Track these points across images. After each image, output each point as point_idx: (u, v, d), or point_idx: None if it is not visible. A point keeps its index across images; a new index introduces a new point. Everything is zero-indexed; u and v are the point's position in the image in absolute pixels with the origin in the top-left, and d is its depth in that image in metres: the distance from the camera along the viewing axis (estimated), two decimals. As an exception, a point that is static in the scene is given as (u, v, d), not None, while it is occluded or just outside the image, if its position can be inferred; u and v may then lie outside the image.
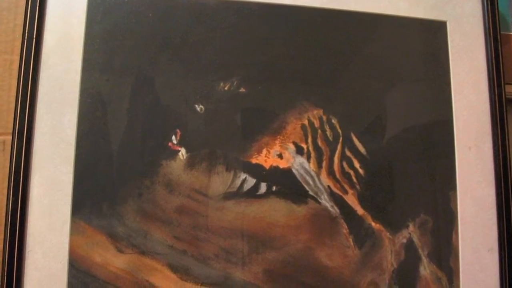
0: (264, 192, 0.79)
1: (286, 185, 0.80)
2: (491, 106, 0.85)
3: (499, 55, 0.86)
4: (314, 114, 0.82)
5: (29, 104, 0.75)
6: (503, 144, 0.83)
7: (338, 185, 0.81)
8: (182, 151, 0.78)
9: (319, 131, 0.82)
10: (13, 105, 0.76)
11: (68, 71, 0.77)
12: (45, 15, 0.78)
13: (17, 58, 0.77)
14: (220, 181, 0.78)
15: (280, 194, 0.79)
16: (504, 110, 0.84)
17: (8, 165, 0.74)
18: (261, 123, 0.81)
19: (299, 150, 0.81)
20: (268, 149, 0.80)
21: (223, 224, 0.78)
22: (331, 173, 0.81)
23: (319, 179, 0.81)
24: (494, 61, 0.85)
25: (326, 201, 0.80)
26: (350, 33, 0.85)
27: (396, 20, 0.87)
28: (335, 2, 0.85)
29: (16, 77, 0.75)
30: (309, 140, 0.81)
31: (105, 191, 0.76)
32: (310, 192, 0.80)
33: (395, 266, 0.81)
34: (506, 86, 0.86)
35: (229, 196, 0.78)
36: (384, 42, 0.86)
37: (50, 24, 0.78)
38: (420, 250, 0.81)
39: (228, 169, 0.79)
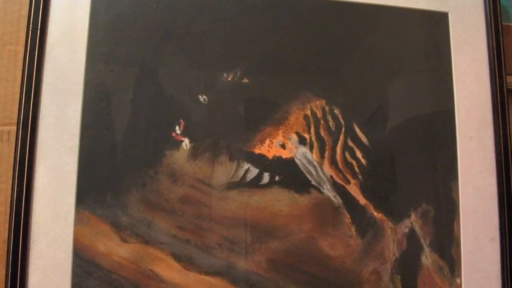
0: (267, 182, 0.77)
1: (289, 175, 0.77)
2: (493, 96, 0.83)
3: (501, 45, 0.84)
4: (317, 105, 0.80)
5: (33, 94, 0.73)
6: (504, 134, 0.81)
7: (341, 175, 0.79)
8: (186, 141, 0.76)
9: (322, 121, 0.79)
10: (17, 96, 0.73)
11: (72, 62, 0.75)
12: (50, 6, 0.75)
13: (22, 49, 0.75)
14: (224, 171, 0.76)
15: (283, 184, 0.77)
16: (506, 100, 0.82)
17: (13, 155, 0.72)
18: (264, 114, 0.78)
19: (302, 140, 0.79)
20: (271, 139, 0.78)
21: (227, 214, 0.75)
22: (333, 163, 0.79)
23: (321, 169, 0.78)
24: (495, 52, 0.83)
25: (328, 191, 0.78)
26: (352, 24, 0.83)
27: (398, 11, 0.84)
28: (337, -6, 0.83)
29: (21, 67, 0.74)
30: (312, 130, 0.79)
31: (109, 181, 0.74)
32: (313, 182, 0.78)
33: (397, 255, 0.78)
34: (507, 76, 0.84)
35: (232, 186, 0.76)
36: (386, 33, 0.84)
37: (55, 15, 0.76)
38: (422, 240, 0.79)
39: (231, 159, 0.76)
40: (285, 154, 0.78)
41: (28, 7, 0.74)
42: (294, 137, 0.78)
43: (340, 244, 0.77)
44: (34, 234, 0.71)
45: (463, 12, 0.86)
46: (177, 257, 0.74)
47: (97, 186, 0.73)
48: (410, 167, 0.81)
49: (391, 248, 0.78)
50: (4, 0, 0.79)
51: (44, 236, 0.71)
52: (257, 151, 0.77)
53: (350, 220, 0.78)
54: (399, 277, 0.78)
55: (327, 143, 0.79)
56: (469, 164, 0.81)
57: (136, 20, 0.77)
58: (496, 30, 0.84)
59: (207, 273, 0.74)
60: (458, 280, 0.79)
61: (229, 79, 0.78)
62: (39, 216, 0.71)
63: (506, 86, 0.83)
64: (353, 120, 0.80)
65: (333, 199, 0.78)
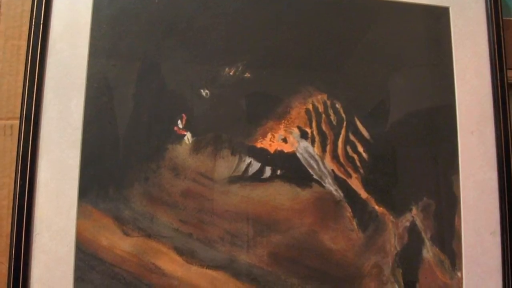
0: (269, 176, 0.75)
1: (290, 169, 0.76)
2: (493, 90, 0.82)
3: (501, 40, 0.83)
4: (318, 99, 0.78)
5: (36, 89, 0.72)
6: (505, 128, 0.80)
7: (342, 169, 0.77)
8: (188, 136, 0.75)
9: (323, 115, 0.78)
10: (20, 90, 0.72)
11: (75, 57, 0.74)
12: (52, 1, 0.74)
13: (25, 43, 0.74)
14: (225, 165, 0.75)
15: (284, 178, 0.76)
16: (506, 94, 0.81)
17: (15, 149, 0.71)
18: (266, 108, 0.77)
19: (304, 135, 0.77)
20: (273, 133, 0.77)
21: (228, 208, 0.74)
22: (335, 157, 0.77)
23: (323, 163, 0.77)
24: (496, 46, 0.82)
25: (330, 185, 0.77)
26: (354, 18, 0.82)
27: (400, 6, 0.83)
28: (339, -12, 0.82)
29: (24, 62, 0.72)
30: (313, 124, 0.78)
31: (111, 175, 0.72)
32: (315, 176, 0.76)
33: (398, 249, 0.77)
34: (508, 71, 0.83)
35: (234, 180, 0.75)
36: (387, 28, 0.82)
37: (57, 10, 0.74)
38: (423, 233, 0.78)
39: (233, 153, 0.75)
40: (286, 148, 0.76)
41: (31, 2, 0.73)
42: (296, 131, 0.77)
43: (341, 238, 0.76)
44: (36, 228, 0.70)
45: (464, 7, 0.85)
46: (179, 251, 0.72)
47: (99, 180, 0.72)
48: (411, 161, 0.79)
49: (393, 241, 0.77)
50: (7, -5, 0.78)
51: (47, 230, 0.70)
52: (259, 145, 0.76)
53: (351, 214, 0.77)
54: (400, 270, 0.77)
55: (329, 137, 0.78)
56: (470, 158, 0.80)
57: (138, 14, 0.76)
58: (497, 24, 0.83)
59: (209, 267, 0.73)
60: (459, 274, 0.77)
61: (231, 73, 0.77)
62: (41, 210, 0.70)
63: (507, 80, 0.82)
64: (354, 114, 0.79)
65: (334, 193, 0.77)
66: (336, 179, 0.77)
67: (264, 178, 0.75)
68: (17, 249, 0.69)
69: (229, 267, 0.73)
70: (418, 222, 0.78)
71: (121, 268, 0.71)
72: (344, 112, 0.78)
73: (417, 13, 0.84)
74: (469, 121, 0.81)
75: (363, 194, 0.77)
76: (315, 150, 0.77)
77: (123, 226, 0.72)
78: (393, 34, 0.82)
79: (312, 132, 0.77)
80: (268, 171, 0.75)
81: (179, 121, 0.75)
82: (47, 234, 0.70)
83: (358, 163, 0.78)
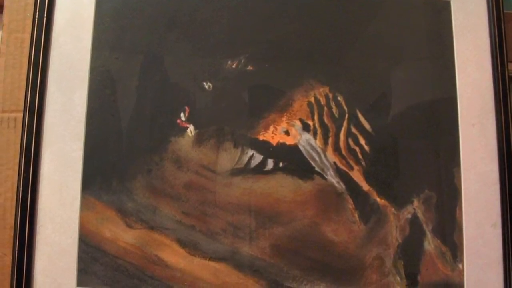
0: (271, 168, 0.74)
1: (292, 161, 0.75)
2: (494, 83, 0.80)
3: (502, 33, 0.81)
4: (320, 92, 0.77)
5: (40, 81, 0.71)
6: (506, 120, 0.78)
7: (344, 161, 0.76)
8: (191, 128, 0.74)
9: (325, 108, 0.77)
10: (24, 83, 0.72)
11: (78, 50, 0.74)
12: (56, -6, 0.74)
13: (28, 36, 0.73)
14: (228, 158, 0.74)
15: (286, 170, 0.75)
16: (507, 87, 0.79)
17: (19, 141, 0.71)
18: (268, 101, 0.76)
19: (306, 127, 0.76)
20: (275, 126, 0.75)
21: (231, 200, 0.73)
22: (337, 149, 0.76)
23: (325, 156, 0.76)
24: (497, 40, 0.80)
25: (332, 177, 0.75)
26: (356, 12, 0.80)
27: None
28: (341, -18, 0.81)
29: (27, 55, 0.72)
30: (316, 117, 0.76)
31: (114, 167, 0.72)
32: (316, 168, 0.75)
33: (400, 241, 0.76)
34: (509, 64, 0.81)
35: (236, 172, 0.74)
36: (389, 21, 0.81)
37: (61, 3, 0.74)
38: (424, 225, 0.76)
39: (235, 146, 0.74)
40: (289, 141, 0.75)
41: (34, -5, 0.73)
42: (298, 123, 0.76)
43: (343, 230, 0.74)
44: (40, 220, 0.70)
45: (465, 0, 0.83)
46: (182, 243, 0.72)
47: (102, 172, 0.72)
48: (413, 153, 0.78)
49: (394, 234, 0.75)
50: (11, -12, 0.77)
51: (50, 222, 0.70)
52: (261, 137, 0.75)
53: (353, 206, 0.75)
54: (402, 262, 0.75)
55: (331, 129, 0.76)
56: (471, 150, 0.78)
57: (141, 7, 0.76)
58: (498, 18, 0.81)
59: (211, 259, 0.72)
60: (460, 266, 0.76)
61: (234, 66, 0.76)
62: (45, 202, 0.70)
63: (508, 73, 0.80)
64: (356, 107, 0.77)
65: (336, 185, 0.75)
66: (338, 171, 0.75)
67: (266, 171, 0.74)
68: (20, 241, 0.68)
69: (232, 259, 0.72)
70: (420, 214, 0.76)
71: (124, 260, 0.70)
72: (346, 105, 0.77)
73: (418, 6, 0.82)
74: (470, 114, 0.79)
75: (365, 186, 0.76)
76: (317, 143, 0.76)
77: (126, 218, 0.71)
78: (395, 27, 0.81)
79: (314, 125, 0.76)
80: (270, 164, 0.74)
81: (182, 114, 0.74)
82: (50, 226, 0.70)
83: (360, 156, 0.76)
